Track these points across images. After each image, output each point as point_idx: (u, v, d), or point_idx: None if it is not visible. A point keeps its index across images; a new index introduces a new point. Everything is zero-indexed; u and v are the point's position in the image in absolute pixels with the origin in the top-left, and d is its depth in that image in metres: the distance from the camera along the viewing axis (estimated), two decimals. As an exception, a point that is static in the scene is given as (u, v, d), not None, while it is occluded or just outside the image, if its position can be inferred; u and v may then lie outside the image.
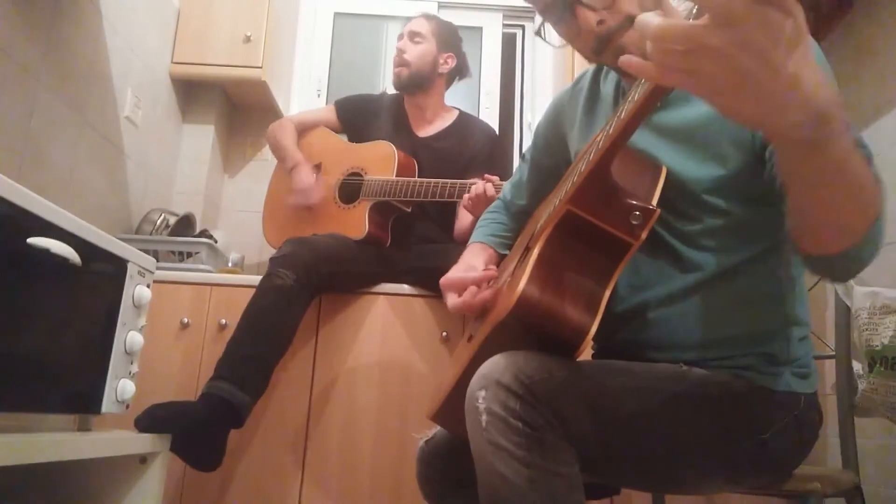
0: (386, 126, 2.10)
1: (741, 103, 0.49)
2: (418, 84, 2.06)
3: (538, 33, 0.96)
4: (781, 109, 0.50)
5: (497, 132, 2.17)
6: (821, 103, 0.51)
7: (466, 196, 1.73)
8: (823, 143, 0.54)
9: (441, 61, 2.08)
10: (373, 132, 2.09)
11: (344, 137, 2.19)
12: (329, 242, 1.80)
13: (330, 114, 2.21)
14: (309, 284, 1.68)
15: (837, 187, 0.60)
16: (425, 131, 2.11)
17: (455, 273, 1.05)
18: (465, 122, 2.13)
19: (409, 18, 2.18)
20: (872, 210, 0.64)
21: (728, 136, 0.86)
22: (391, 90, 2.17)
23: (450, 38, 2.12)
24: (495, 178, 1.74)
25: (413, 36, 2.07)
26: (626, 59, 0.52)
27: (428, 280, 1.85)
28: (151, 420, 1.33)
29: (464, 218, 1.94)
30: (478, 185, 1.71)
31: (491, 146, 2.09)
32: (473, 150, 2.05)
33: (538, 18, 0.96)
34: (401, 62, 2.05)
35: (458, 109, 2.18)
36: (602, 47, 0.89)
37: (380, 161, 1.98)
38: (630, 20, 0.85)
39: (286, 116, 2.33)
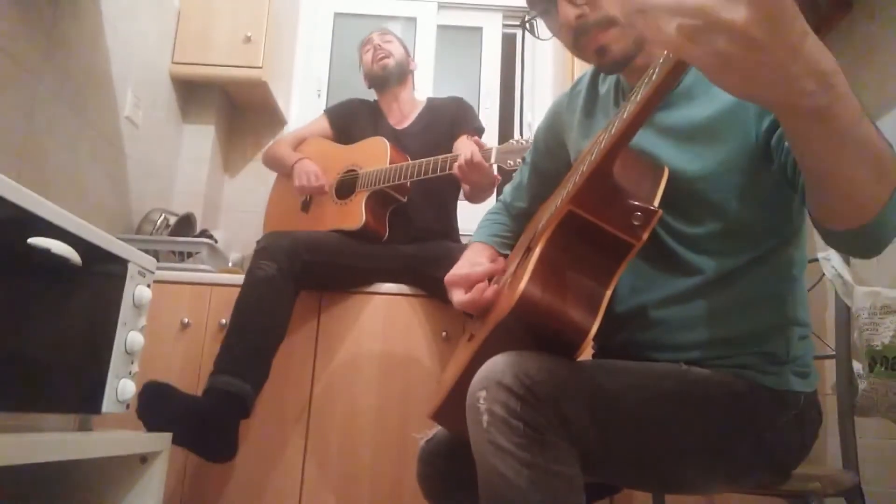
0: (369, 128, 2.17)
1: (757, 80, 0.50)
2: (400, 74, 2.18)
3: (525, 25, 0.97)
4: (796, 80, 0.50)
5: (459, 97, 2.26)
6: (822, 64, 0.51)
7: (457, 165, 1.75)
8: (830, 106, 0.53)
9: (410, 60, 2.25)
10: (360, 134, 2.14)
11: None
12: (312, 233, 1.85)
13: (322, 122, 2.27)
14: (292, 270, 1.69)
15: (851, 154, 0.58)
16: (402, 124, 2.18)
17: (460, 269, 1.05)
18: (433, 102, 2.25)
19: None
20: (891, 177, 0.62)
21: (731, 134, 0.85)
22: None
23: (406, 45, 2.28)
24: (475, 140, 1.79)
25: (382, 35, 2.22)
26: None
27: (427, 284, 1.85)
28: (157, 418, 1.33)
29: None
30: (465, 152, 1.73)
31: (459, 107, 2.18)
32: (449, 117, 2.14)
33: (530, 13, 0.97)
34: (385, 54, 2.17)
35: (426, 98, 2.28)
36: (579, 43, 0.90)
37: (374, 155, 2.02)
38: (608, 20, 0.87)
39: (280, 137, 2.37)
